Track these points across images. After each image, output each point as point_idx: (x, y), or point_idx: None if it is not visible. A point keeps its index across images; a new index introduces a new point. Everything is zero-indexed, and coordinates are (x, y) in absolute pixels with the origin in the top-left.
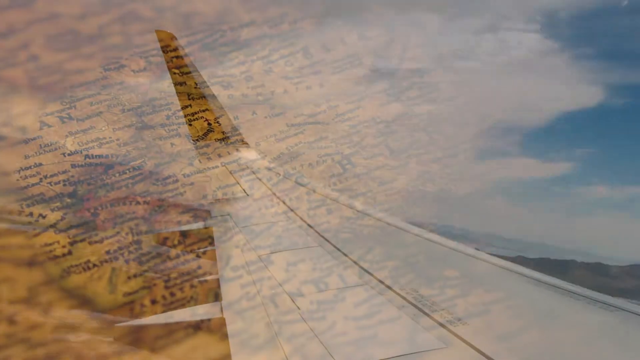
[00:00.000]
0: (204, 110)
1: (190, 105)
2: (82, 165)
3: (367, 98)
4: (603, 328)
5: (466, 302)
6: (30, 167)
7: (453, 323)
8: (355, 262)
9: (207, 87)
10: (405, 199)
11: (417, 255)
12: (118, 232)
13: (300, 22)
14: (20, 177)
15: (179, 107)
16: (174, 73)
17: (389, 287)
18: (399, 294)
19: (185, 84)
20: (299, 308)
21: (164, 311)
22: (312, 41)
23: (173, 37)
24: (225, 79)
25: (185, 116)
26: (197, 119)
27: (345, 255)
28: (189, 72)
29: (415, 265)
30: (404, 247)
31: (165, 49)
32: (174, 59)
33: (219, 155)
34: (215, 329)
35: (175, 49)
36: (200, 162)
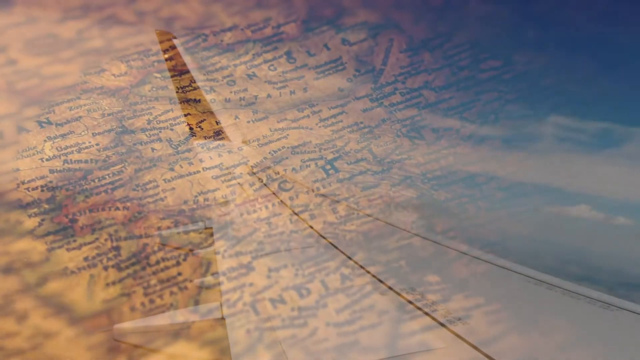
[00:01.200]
0: (186, 115)
1: (172, 110)
2: (60, 171)
3: (350, 103)
4: (603, 327)
5: (462, 303)
6: (7, 173)
7: (453, 322)
8: (337, 268)
9: (190, 91)
10: (388, 204)
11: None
12: (97, 239)
13: (284, 27)
14: None
15: (160, 112)
16: (173, 75)
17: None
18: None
19: (187, 87)
20: (279, 314)
21: (142, 318)
22: (296, 45)
23: (173, 37)
24: (208, 83)
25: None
26: (178, 123)
27: (352, 256)
28: (187, 72)
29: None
30: (388, 251)
31: (165, 49)
32: (172, 60)
33: (201, 160)
34: (195, 336)
35: (174, 49)
36: (181, 167)
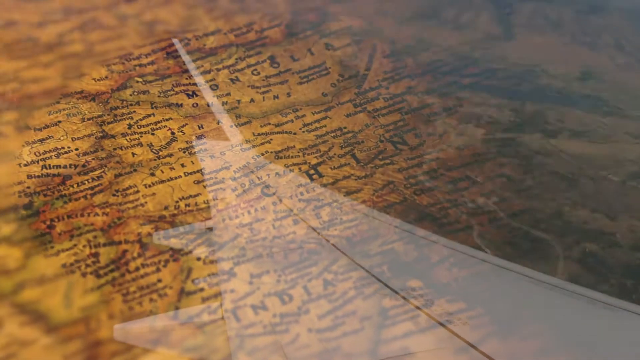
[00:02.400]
0: (167, 119)
1: (153, 114)
2: (38, 176)
3: (334, 108)
4: (604, 328)
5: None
6: None
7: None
8: (319, 274)
9: (171, 95)
10: (371, 209)
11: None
12: (75, 245)
13: (268, 31)
14: None
15: (141, 116)
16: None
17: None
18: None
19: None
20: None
21: (120, 325)
22: (280, 50)
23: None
24: (190, 88)
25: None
26: (160, 127)
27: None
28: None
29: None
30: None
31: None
32: (171, 60)
33: (182, 165)
34: (175, 343)
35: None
36: (162, 172)
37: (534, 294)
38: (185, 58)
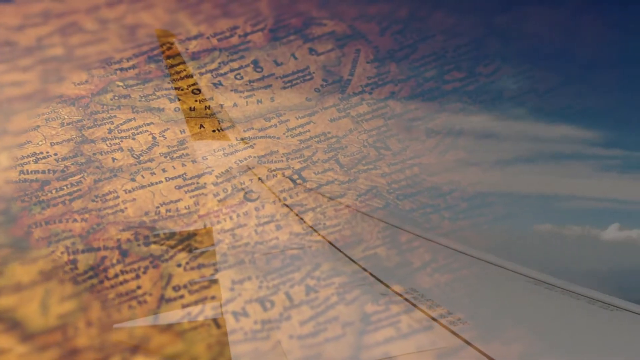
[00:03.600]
0: (148, 124)
1: (134, 119)
2: (16, 182)
3: (318, 113)
4: (603, 328)
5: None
6: None
7: (454, 323)
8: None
9: (153, 99)
10: (354, 214)
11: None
12: (53, 251)
13: (251, 36)
14: None
15: (122, 121)
16: (175, 79)
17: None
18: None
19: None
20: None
21: (99, 333)
22: (263, 55)
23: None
24: (172, 92)
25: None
26: (141, 132)
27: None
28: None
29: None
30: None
31: (165, 49)
32: (171, 60)
33: (163, 170)
34: (154, 350)
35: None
36: (142, 177)
37: (516, 297)
38: (167, 62)
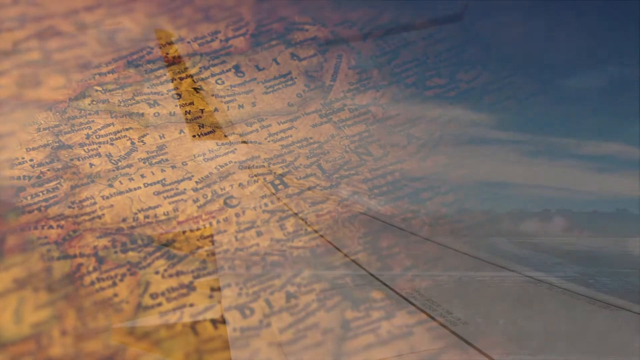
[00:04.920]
0: (127, 129)
1: (112, 124)
2: None
3: (300, 118)
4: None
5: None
6: None
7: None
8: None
9: (132, 104)
10: (335, 220)
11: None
12: (28, 259)
13: (232, 40)
14: None
15: (100, 126)
16: (155, 84)
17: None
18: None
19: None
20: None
21: (74, 343)
22: (244, 59)
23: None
24: (152, 97)
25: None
26: (119, 137)
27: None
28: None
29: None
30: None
31: (165, 49)
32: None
33: (142, 176)
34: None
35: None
36: (120, 183)
37: (496, 303)
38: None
